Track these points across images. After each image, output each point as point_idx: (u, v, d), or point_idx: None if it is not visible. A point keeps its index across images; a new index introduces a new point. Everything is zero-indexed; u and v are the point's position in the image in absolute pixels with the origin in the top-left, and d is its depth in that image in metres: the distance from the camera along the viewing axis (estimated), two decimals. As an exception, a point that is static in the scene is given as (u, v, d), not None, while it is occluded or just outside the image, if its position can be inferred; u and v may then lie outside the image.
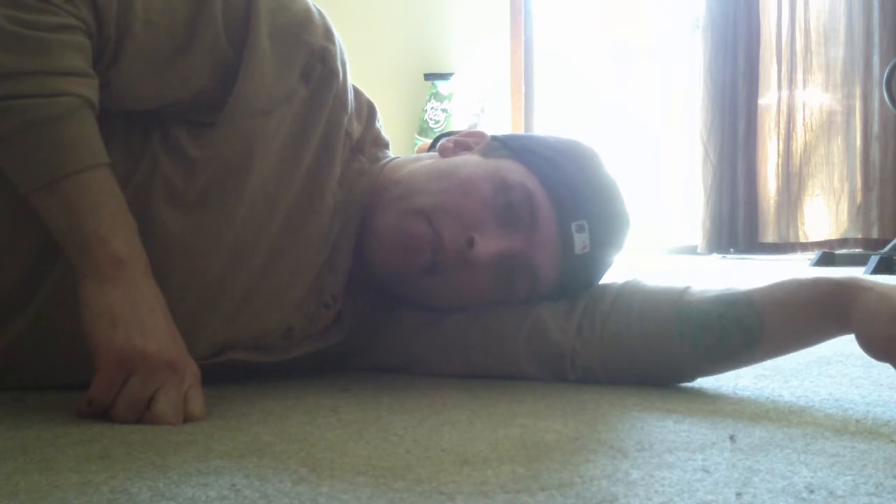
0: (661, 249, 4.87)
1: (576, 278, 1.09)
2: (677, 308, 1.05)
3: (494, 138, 1.14)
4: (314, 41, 1.00)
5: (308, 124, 1.01)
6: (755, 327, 1.02)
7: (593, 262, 1.09)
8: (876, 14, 4.24)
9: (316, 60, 1.00)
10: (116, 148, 0.93)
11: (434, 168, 1.10)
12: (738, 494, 0.65)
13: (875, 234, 4.23)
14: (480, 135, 1.15)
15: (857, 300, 0.97)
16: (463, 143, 1.14)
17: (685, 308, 1.05)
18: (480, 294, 1.08)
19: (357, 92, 1.09)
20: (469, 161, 1.10)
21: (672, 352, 1.05)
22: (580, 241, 1.06)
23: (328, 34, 1.02)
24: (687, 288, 1.08)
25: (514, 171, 1.07)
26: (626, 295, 1.09)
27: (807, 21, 4.50)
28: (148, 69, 0.94)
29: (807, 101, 4.50)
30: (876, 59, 4.24)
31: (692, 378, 1.10)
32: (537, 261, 1.06)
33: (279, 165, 1.00)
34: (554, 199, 1.06)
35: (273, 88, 0.98)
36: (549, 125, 5.19)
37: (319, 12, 1.03)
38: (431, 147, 1.21)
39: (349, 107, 1.06)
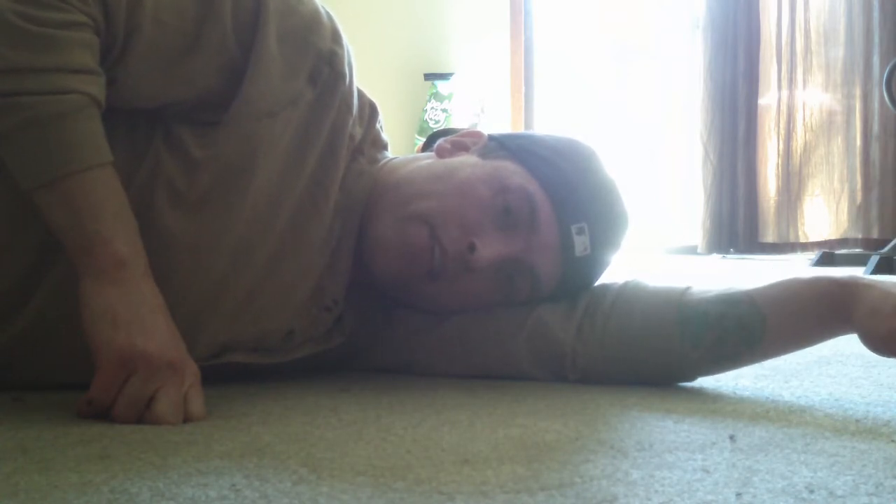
0: (661, 249, 4.87)
1: (576, 279, 1.09)
2: (678, 308, 1.05)
3: (492, 138, 1.13)
4: (322, 44, 1.00)
5: (313, 127, 1.01)
6: (757, 327, 1.02)
7: (593, 263, 1.09)
8: (876, 14, 4.24)
9: (323, 63, 1.00)
10: (119, 146, 0.93)
11: (432, 170, 1.09)
12: (738, 494, 0.65)
13: (875, 234, 4.23)
14: (478, 135, 1.14)
15: (858, 297, 0.97)
16: (460, 143, 1.13)
17: (686, 308, 1.05)
18: (481, 297, 1.08)
19: (359, 93, 1.09)
20: (467, 163, 1.09)
21: (673, 351, 1.05)
22: (580, 244, 1.06)
23: (336, 36, 1.02)
24: (688, 288, 1.08)
25: (513, 172, 1.07)
26: (627, 295, 1.09)
27: (807, 21, 4.49)
28: (154, 67, 0.94)
29: (807, 101, 4.50)
30: (876, 59, 4.24)
31: (693, 378, 1.10)
32: (538, 264, 1.06)
33: (283, 168, 1.00)
34: (554, 201, 1.05)
35: (280, 91, 0.97)
36: (549, 125, 5.19)
37: (328, 14, 1.03)
38: (426, 146, 1.20)
39: (354, 110, 1.06)
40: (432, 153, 1.14)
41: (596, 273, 1.11)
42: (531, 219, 1.05)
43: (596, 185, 1.08)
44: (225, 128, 0.96)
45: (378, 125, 1.14)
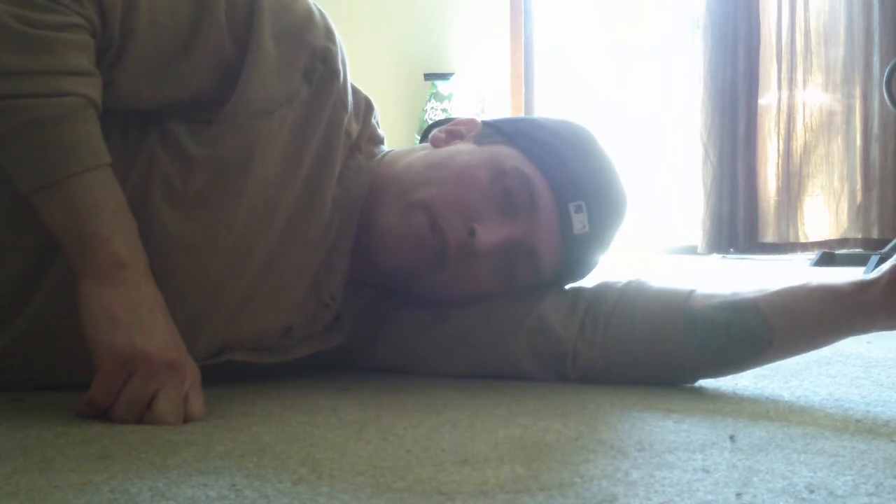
0: (661, 249, 4.87)
1: (577, 260, 1.09)
2: (683, 312, 1.05)
3: (486, 124, 1.14)
4: (316, 42, 1.00)
5: (309, 125, 1.01)
6: (764, 336, 1.02)
7: (593, 241, 1.08)
8: (876, 14, 4.24)
9: (318, 61, 1.00)
10: (114, 147, 0.93)
11: (429, 159, 1.09)
12: (738, 494, 0.65)
13: (875, 234, 4.23)
14: (472, 122, 1.14)
15: (870, 287, 0.99)
16: (455, 131, 1.13)
17: (691, 312, 1.05)
18: (485, 284, 1.08)
19: (354, 90, 1.09)
20: (463, 150, 1.09)
21: (676, 354, 1.05)
22: (579, 221, 1.06)
23: (329, 34, 1.02)
24: (692, 291, 1.07)
25: (509, 156, 1.07)
26: (630, 295, 1.09)
27: (807, 21, 4.50)
28: (151, 68, 0.94)
29: (807, 101, 4.50)
30: (876, 59, 4.24)
31: (694, 380, 1.10)
32: (538, 245, 1.06)
33: (280, 167, 1.00)
34: (550, 180, 1.06)
35: (275, 89, 0.97)
36: (548, 125, 5.17)
37: (321, 12, 1.03)
38: (423, 138, 1.20)
39: (349, 107, 1.06)
40: (428, 144, 1.14)
41: (596, 252, 1.11)
42: (530, 200, 1.05)
43: (592, 164, 1.08)
44: (221, 126, 0.96)
45: (374, 121, 1.14)
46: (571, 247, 1.07)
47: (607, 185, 1.09)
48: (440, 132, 1.14)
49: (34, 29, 0.86)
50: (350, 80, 1.06)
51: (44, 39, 0.86)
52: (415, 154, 1.12)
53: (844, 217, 4.35)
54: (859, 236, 4.29)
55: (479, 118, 1.16)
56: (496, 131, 1.11)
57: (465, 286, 1.08)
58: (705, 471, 0.71)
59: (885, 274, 0.99)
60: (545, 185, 1.05)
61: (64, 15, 0.87)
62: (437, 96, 4.89)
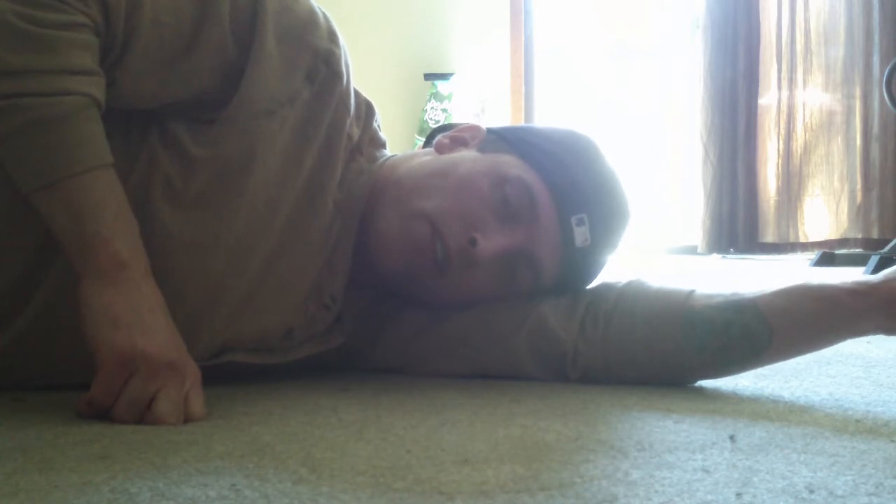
0: (661, 249, 4.87)
1: (578, 270, 1.09)
2: (683, 312, 1.05)
3: (490, 131, 1.14)
4: (319, 43, 1.00)
5: (311, 126, 1.01)
6: (764, 337, 1.02)
7: (594, 253, 1.08)
8: (876, 14, 4.24)
9: (320, 62, 1.00)
10: (115, 147, 0.93)
11: (431, 166, 1.09)
12: (738, 494, 0.65)
13: (875, 234, 4.23)
14: (476, 129, 1.15)
15: (871, 290, 0.99)
16: (459, 138, 1.13)
17: (691, 313, 1.05)
18: (485, 290, 1.08)
19: (355, 93, 1.09)
20: (466, 157, 1.10)
21: (676, 354, 1.05)
22: (580, 235, 1.06)
23: (332, 36, 1.02)
24: (692, 291, 1.07)
25: (511, 165, 1.07)
26: (630, 295, 1.09)
27: (807, 21, 4.50)
28: (154, 68, 0.94)
29: (807, 101, 4.50)
30: (876, 59, 4.24)
31: (694, 380, 1.10)
32: (539, 254, 1.06)
33: (281, 167, 1.00)
34: (553, 191, 1.06)
35: (277, 89, 0.98)
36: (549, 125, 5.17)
37: (324, 14, 1.03)
38: (427, 142, 1.20)
39: (351, 110, 1.06)
40: (431, 149, 1.14)
41: (598, 264, 1.11)
42: (531, 210, 1.05)
43: (596, 176, 1.08)
44: (223, 126, 0.96)
45: (375, 124, 1.14)
46: (573, 258, 1.07)
47: (609, 195, 1.09)
48: (444, 138, 1.14)
49: (38, 27, 0.86)
50: (353, 82, 1.06)
51: (47, 38, 0.86)
52: (417, 159, 1.12)
53: (844, 217, 4.35)
54: (859, 236, 4.30)
55: (483, 124, 1.16)
56: (500, 139, 1.11)
57: (465, 291, 1.08)
58: (705, 471, 0.71)
59: (886, 277, 0.99)
60: (546, 194, 1.05)
61: (68, 14, 0.87)
62: (437, 96, 4.89)
